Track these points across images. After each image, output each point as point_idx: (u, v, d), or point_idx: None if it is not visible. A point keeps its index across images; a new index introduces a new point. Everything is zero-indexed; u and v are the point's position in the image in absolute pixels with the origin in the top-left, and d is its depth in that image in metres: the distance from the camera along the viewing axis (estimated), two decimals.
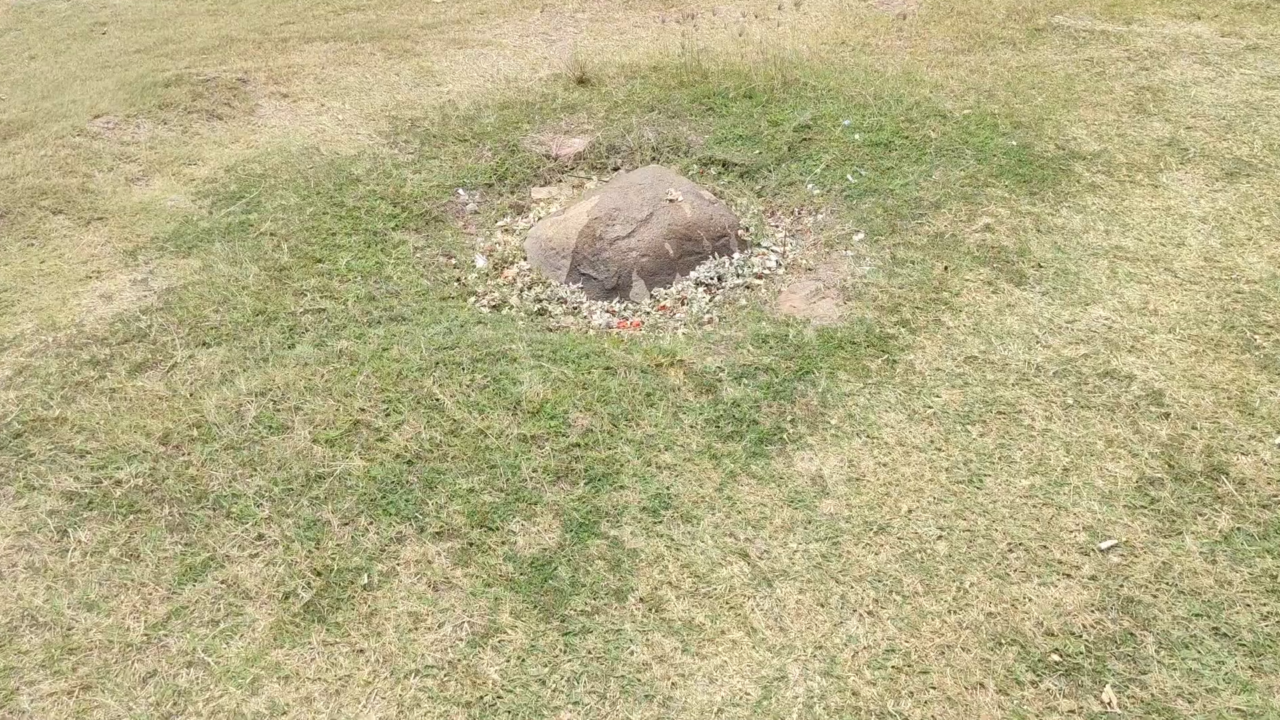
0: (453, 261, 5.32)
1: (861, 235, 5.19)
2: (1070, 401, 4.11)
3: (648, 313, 4.98)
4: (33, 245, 5.29)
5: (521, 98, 6.80)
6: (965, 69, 6.93)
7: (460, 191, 5.88)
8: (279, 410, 4.00)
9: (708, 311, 4.89)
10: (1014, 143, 5.88)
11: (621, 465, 3.79)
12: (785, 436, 3.96)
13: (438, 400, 4.04)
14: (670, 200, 5.26)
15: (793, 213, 5.61)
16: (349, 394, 4.08)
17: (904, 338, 4.47)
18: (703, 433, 3.95)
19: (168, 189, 5.83)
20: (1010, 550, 3.49)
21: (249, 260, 5.00)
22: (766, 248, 5.32)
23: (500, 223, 5.73)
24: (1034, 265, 4.88)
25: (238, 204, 5.59)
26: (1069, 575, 3.40)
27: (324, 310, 4.63)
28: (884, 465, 3.84)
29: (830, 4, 8.56)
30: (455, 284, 5.11)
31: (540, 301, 5.06)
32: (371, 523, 3.54)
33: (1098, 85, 6.58)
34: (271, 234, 5.25)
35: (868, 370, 4.29)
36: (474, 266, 5.31)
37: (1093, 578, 3.38)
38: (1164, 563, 3.42)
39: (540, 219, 5.66)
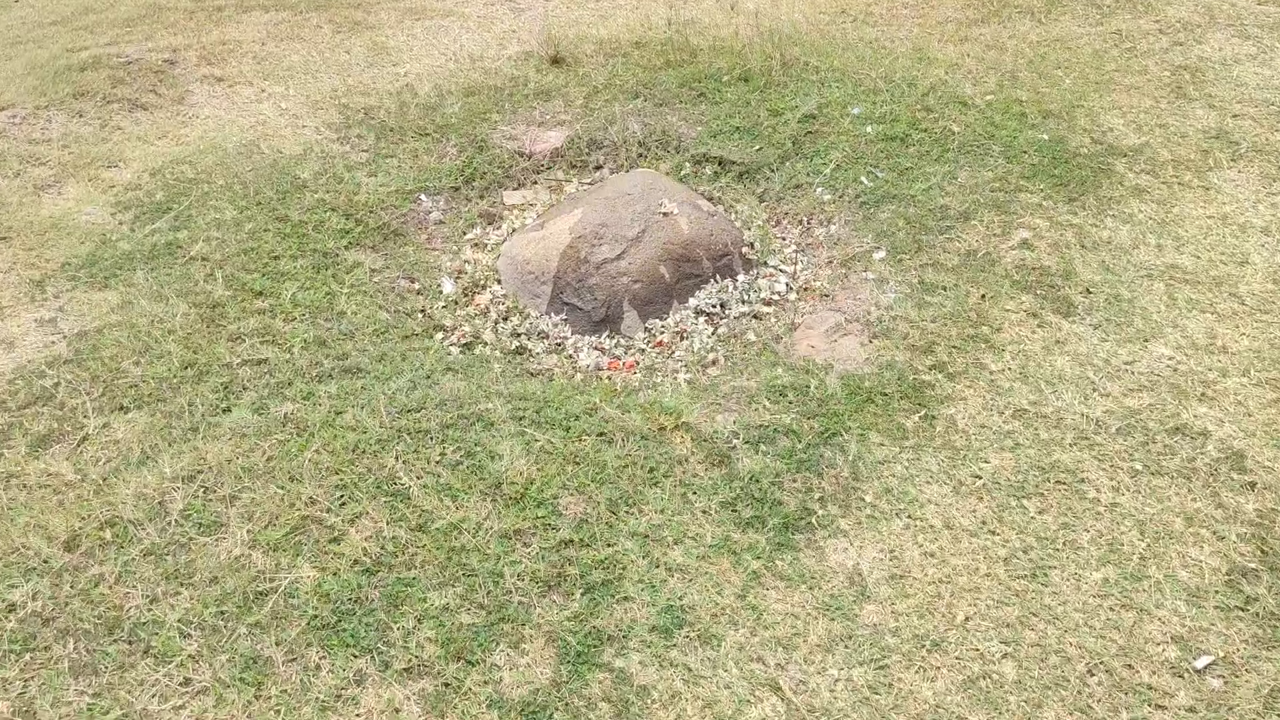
0: (416, 286, 4.63)
1: (883, 253, 4.55)
2: (1139, 467, 3.54)
3: (643, 350, 4.34)
4: None
5: (488, 81, 6.05)
6: (981, 44, 6.25)
7: (422, 198, 5.16)
8: (211, 501, 3.34)
9: (712, 349, 4.25)
10: (1045, 136, 5.23)
11: (624, 567, 3.18)
12: (814, 520, 3.36)
13: (402, 484, 3.40)
14: (664, 214, 4.59)
15: (801, 222, 4.96)
16: (295, 477, 3.42)
17: (942, 386, 3.86)
18: (718, 519, 3.34)
19: (83, 198, 5.07)
20: (1090, 672, 2.93)
21: (176, 295, 4.28)
22: (775, 267, 4.67)
23: (469, 235, 5.03)
24: (1082, 290, 4.27)
25: (164, 218, 4.84)
26: (1162, 706, 2.85)
27: (265, 361, 3.94)
28: (931, 555, 3.26)
29: None
30: (420, 315, 4.43)
31: (518, 337, 4.40)
32: (325, 657, 2.91)
33: (1129, 64, 5.94)
34: (204, 259, 4.53)
35: (903, 430, 3.68)
36: (440, 292, 4.63)
37: (1190, 709, 2.84)
38: (1273, 686, 2.88)
39: (515, 231, 4.97)
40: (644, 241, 4.50)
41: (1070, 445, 3.62)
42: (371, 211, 4.98)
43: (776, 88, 5.75)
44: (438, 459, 3.50)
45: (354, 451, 3.52)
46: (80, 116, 5.74)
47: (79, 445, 3.58)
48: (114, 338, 4.04)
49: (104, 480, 3.42)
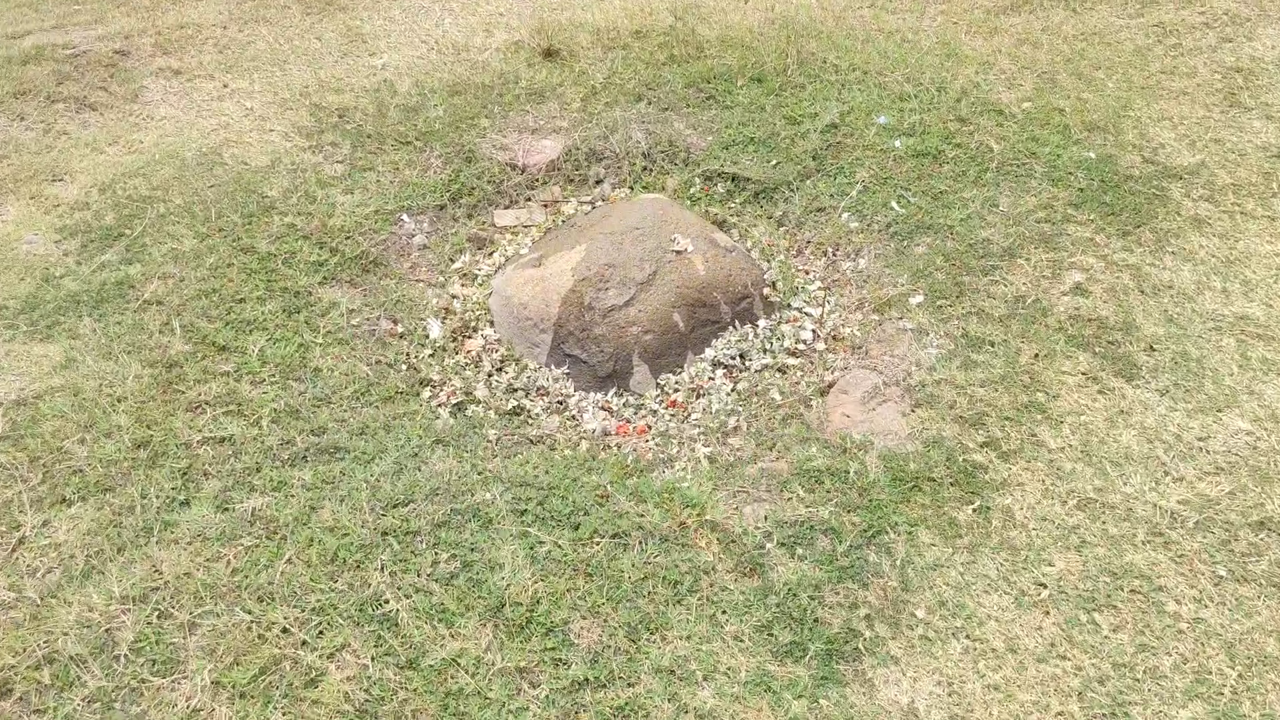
0: (399, 329, 4.14)
1: (920, 297, 4.09)
2: (1222, 572, 3.14)
3: (655, 411, 3.88)
4: None
5: (475, 77, 5.48)
6: (1013, 37, 5.72)
7: (404, 218, 4.64)
8: (166, 629, 2.88)
9: (732, 409, 3.80)
10: (1091, 154, 4.75)
11: (648, 713, 2.75)
12: (861, 645, 2.95)
13: (389, 607, 2.94)
14: (677, 252, 4.10)
15: (826, 253, 4.48)
16: (265, 596, 2.96)
17: (996, 469, 3.43)
18: (752, 647, 2.92)
19: (24, 221, 4.51)
20: None
21: (128, 350, 3.77)
22: (799, 309, 4.20)
23: (457, 263, 4.52)
24: (1145, 348, 3.83)
25: (115, 248, 4.31)
26: None
27: (229, 438, 3.46)
28: (995, 689, 2.85)
29: None
30: (404, 368, 3.95)
31: (515, 393, 3.93)
32: None
33: (1176, 64, 5.44)
34: (159, 302, 4.01)
35: (955, 525, 3.26)
36: (426, 336, 4.13)
37: None
38: None
39: (508, 260, 4.46)
40: (655, 285, 4.01)
41: (1143, 544, 3.21)
42: (348, 237, 4.45)
43: (793, 90, 5.23)
44: (429, 570, 3.04)
45: (332, 562, 3.06)
46: (21, 120, 5.15)
47: (13, 551, 3.10)
48: (56, 407, 3.54)
49: (42, 600, 2.95)
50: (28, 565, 3.05)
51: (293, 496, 3.26)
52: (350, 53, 5.84)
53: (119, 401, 3.58)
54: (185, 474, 3.34)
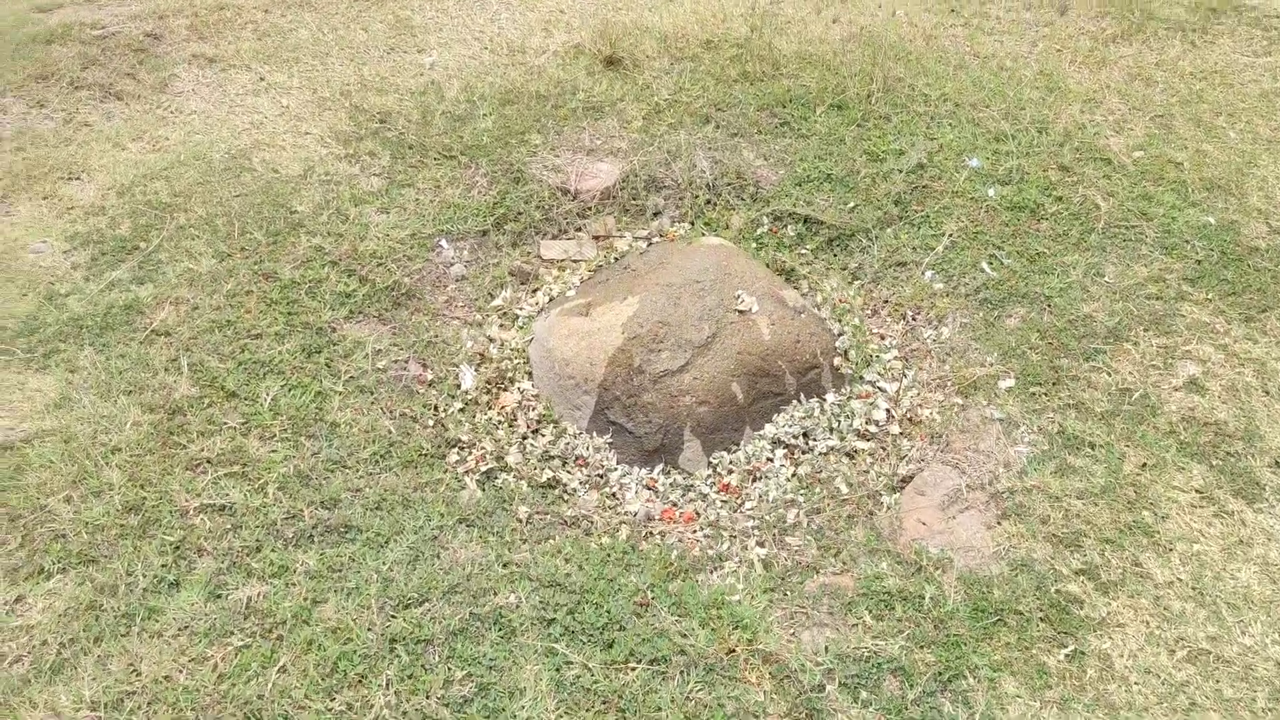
0: (428, 375, 3.75)
1: (1011, 381, 3.63)
2: None
3: (705, 494, 3.47)
4: None
5: (530, 84, 5.04)
6: (1123, 70, 5.18)
7: (443, 244, 4.24)
8: None
9: (791, 498, 3.39)
10: (1211, 220, 4.24)
11: None
12: None
13: None
14: (741, 312, 3.67)
15: (905, 317, 4.02)
16: (252, 714, 2.60)
17: (1093, 603, 2.99)
18: None
19: (35, 223, 4.17)
20: None
21: (128, 390, 3.42)
22: (872, 384, 3.76)
23: (496, 300, 4.12)
24: (1270, 462, 3.36)
25: (127, 264, 3.95)
26: None
27: (229, 507, 3.09)
28: None
29: None
30: (430, 425, 3.56)
31: (551, 462, 3.53)
32: None
33: None
34: (168, 333, 3.65)
35: (1044, 673, 2.83)
36: (458, 387, 3.74)
37: None
38: None
39: (552, 301, 4.06)
40: (714, 349, 3.59)
41: (1263, 711, 2.76)
42: (380, 264, 4.07)
43: (877, 122, 4.74)
44: (440, 692, 2.67)
45: (332, 674, 2.69)
46: (41, 107, 4.79)
47: None
48: (45, 455, 3.19)
49: (3, 700, 2.60)
50: None
51: (294, 586, 2.89)
52: (397, 47, 5.42)
53: (113, 453, 3.22)
54: (178, 548, 2.98)
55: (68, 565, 2.93)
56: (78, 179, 4.46)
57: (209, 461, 3.24)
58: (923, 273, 4.10)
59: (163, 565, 2.94)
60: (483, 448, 3.55)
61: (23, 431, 3.30)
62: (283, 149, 4.65)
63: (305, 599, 2.87)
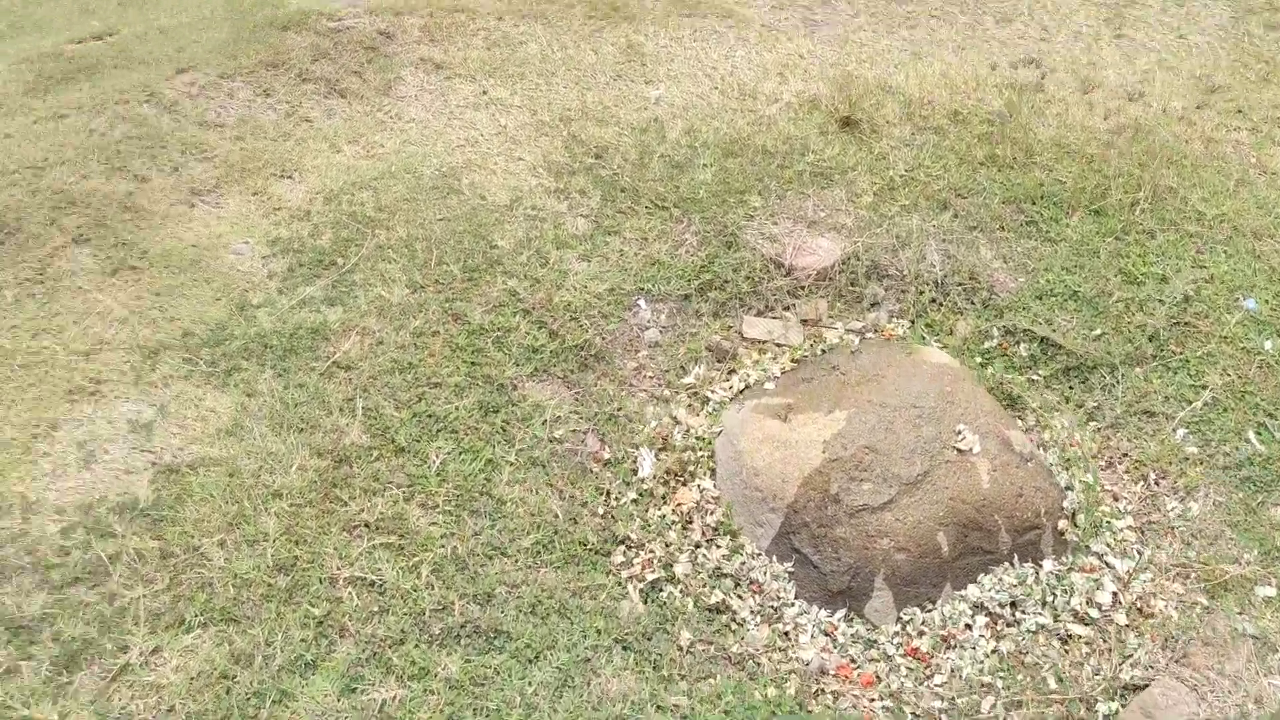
0: (605, 455, 3.50)
1: (1272, 590, 3.09)
2: None
3: (889, 655, 3.08)
4: (33, 297, 3.71)
5: (756, 136, 4.70)
6: None
7: (641, 304, 3.98)
8: None
9: (989, 680, 2.97)
10: None
11: None
12: None
13: None
14: (960, 451, 3.25)
15: (1145, 478, 3.51)
16: None
17: None
18: None
19: (240, 220, 4.12)
20: None
21: (300, 428, 3.29)
22: (1099, 556, 3.28)
23: (688, 377, 3.82)
24: None
25: (322, 280, 3.85)
26: None
27: (380, 585, 2.91)
28: None
29: (1216, 22, 5.94)
30: (599, 515, 3.30)
31: (723, 581, 3.22)
32: None
33: None
34: (349, 368, 3.52)
35: None
36: (634, 473, 3.46)
37: None
38: None
39: (748, 389, 3.72)
40: (923, 489, 3.19)
41: None
42: (574, 319, 3.83)
43: (1139, 237, 4.20)
44: None
45: None
46: (267, 96, 4.77)
47: (112, 680, 2.65)
48: (208, 487, 3.09)
49: None
50: (121, 708, 2.59)
51: (432, 694, 2.68)
52: (624, 74, 5.17)
53: (275, 497, 3.09)
54: (320, 623, 2.81)
55: (209, 620, 2.80)
56: (290, 177, 4.40)
57: (367, 525, 3.07)
58: (1174, 429, 3.57)
59: (303, 640, 2.77)
60: (651, 551, 3.26)
61: (191, 455, 3.21)
62: (493, 172, 4.48)
63: (441, 711, 2.64)
